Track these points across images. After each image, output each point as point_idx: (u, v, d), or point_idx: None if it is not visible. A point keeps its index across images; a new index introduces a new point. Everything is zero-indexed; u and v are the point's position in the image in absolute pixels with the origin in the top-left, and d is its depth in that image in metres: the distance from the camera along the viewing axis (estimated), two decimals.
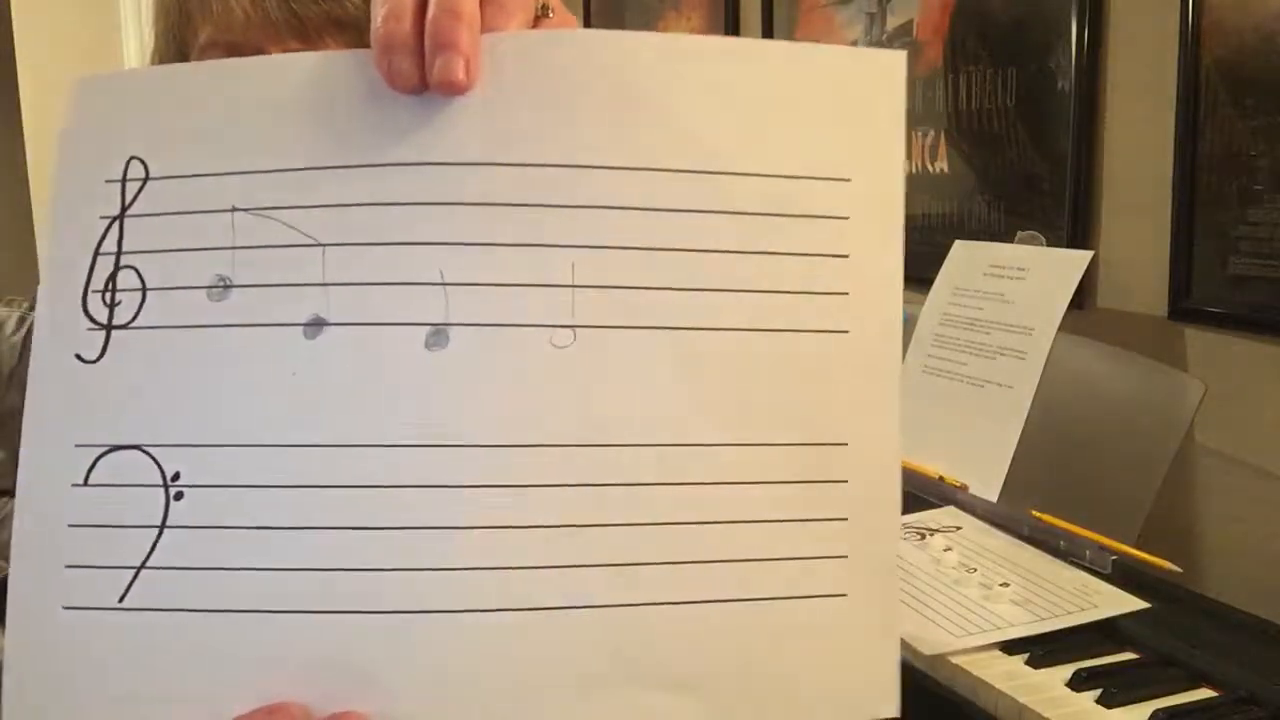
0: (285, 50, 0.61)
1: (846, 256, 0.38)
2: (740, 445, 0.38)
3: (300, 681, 0.36)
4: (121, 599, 0.36)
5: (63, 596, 0.36)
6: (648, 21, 2.15)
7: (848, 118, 0.38)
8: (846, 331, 0.38)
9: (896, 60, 0.39)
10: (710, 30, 2.00)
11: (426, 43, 0.36)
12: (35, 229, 2.97)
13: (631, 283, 0.37)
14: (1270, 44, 1.03)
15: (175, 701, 0.36)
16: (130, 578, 0.36)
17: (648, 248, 0.37)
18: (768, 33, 1.84)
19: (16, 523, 0.37)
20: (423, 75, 0.37)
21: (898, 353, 0.39)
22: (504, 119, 0.36)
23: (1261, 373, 1.08)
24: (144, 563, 0.36)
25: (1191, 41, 1.11)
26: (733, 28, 1.94)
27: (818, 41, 1.71)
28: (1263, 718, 0.75)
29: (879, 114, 0.38)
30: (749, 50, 0.39)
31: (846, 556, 0.38)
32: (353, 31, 0.64)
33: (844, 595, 0.38)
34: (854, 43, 1.63)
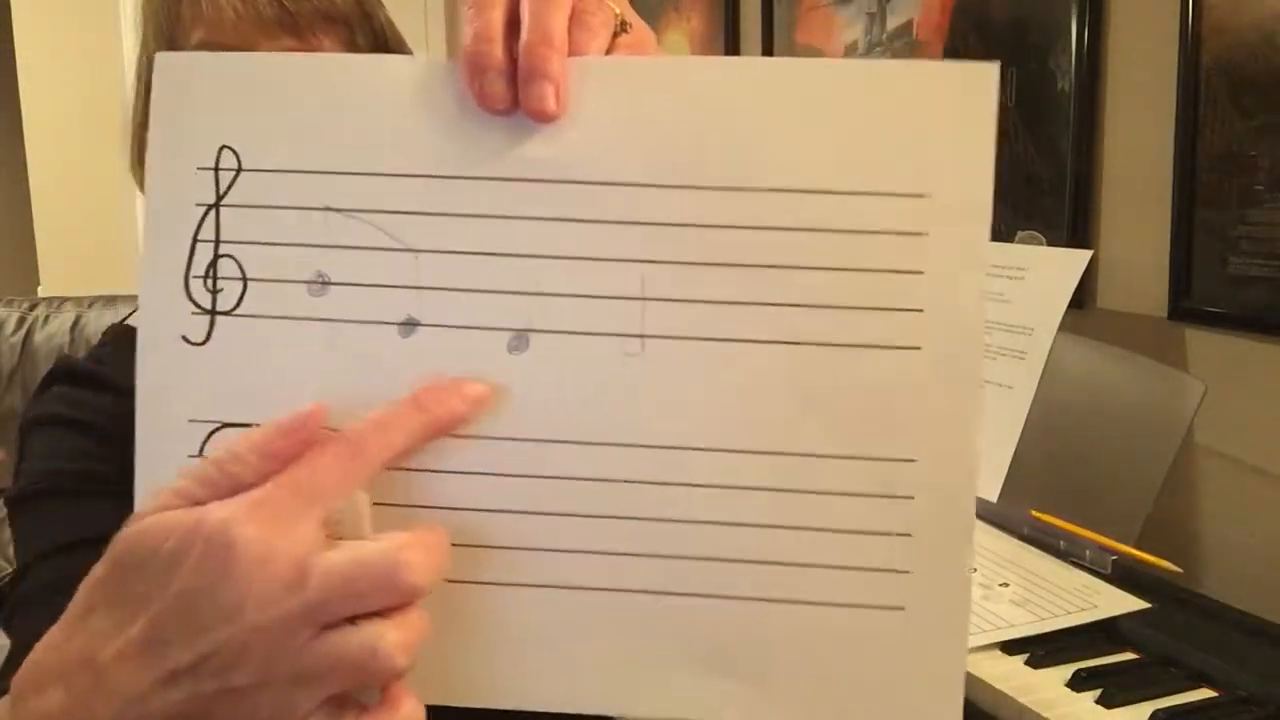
0: (278, 46, 0.62)
1: (922, 273, 0.38)
2: (804, 455, 0.39)
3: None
4: None
5: None
6: (647, 21, 2.15)
7: (929, 133, 0.38)
8: (919, 348, 0.38)
9: (987, 72, 0.38)
10: (709, 30, 2.00)
11: (520, 68, 0.38)
12: (35, 229, 2.97)
13: (701, 297, 0.39)
14: (1270, 44, 1.03)
15: None
16: None
17: (719, 263, 0.39)
18: (767, 32, 1.84)
19: (138, 489, 0.40)
20: (514, 97, 0.38)
21: (977, 372, 0.38)
22: (587, 140, 0.39)
23: (1261, 373, 1.08)
24: None
25: (1191, 41, 1.11)
26: (732, 28, 1.94)
27: (816, 42, 1.71)
28: (1263, 718, 0.75)
29: (965, 128, 0.38)
30: (829, 71, 0.39)
31: (908, 572, 0.38)
32: (342, 26, 0.64)
33: (901, 609, 0.39)
34: (854, 43, 1.63)
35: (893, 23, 1.55)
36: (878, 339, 0.38)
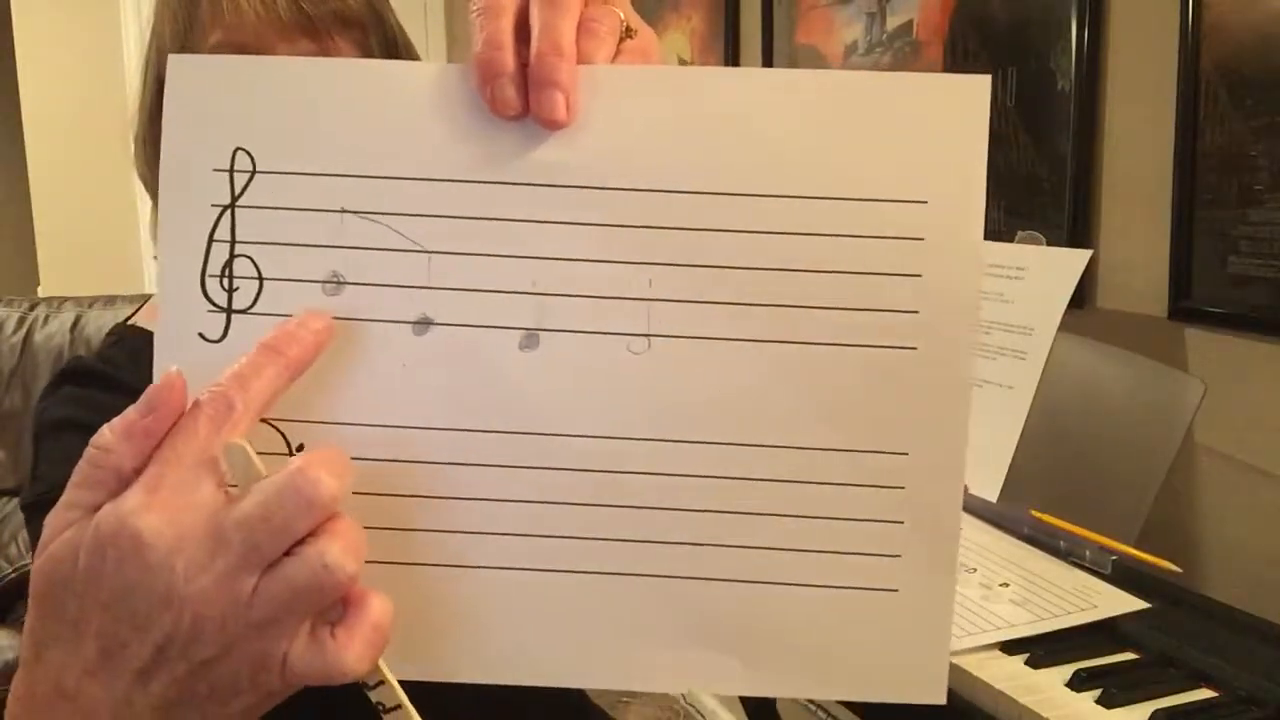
0: (295, 48, 0.63)
1: (920, 276, 0.40)
2: (803, 448, 0.41)
3: (414, 619, 0.41)
4: None
5: None
6: (647, 21, 2.15)
7: (928, 142, 0.40)
8: (914, 349, 0.40)
9: (980, 85, 0.40)
10: (709, 30, 2.00)
11: (530, 76, 0.39)
12: (35, 229, 2.97)
13: (705, 297, 0.40)
14: (1270, 44, 1.03)
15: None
16: None
17: (722, 266, 0.40)
18: (767, 32, 1.84)
19: None
20: (524, 103, 0.39)
21: (968, 371, 0.40)
22: (597, 146, 0.40)
23: (1261, 373, 1.08)
24: None
25: (1191, 41, 1.11)
26: (732, 28, 1.94)
27: (816, 42, 1.71)
28: (1263, 718, 0.75)
29: (960, 137, 0.40)
30: (830, 81, 0.41)
31: (900, 556, 0.41)
32: (357, 29, 0.66)
33: (895, 590, 0.41)
34: (854, 43, 1.63)
35: (893, 23, 1.55)
36: (875, 339, 0.40)
